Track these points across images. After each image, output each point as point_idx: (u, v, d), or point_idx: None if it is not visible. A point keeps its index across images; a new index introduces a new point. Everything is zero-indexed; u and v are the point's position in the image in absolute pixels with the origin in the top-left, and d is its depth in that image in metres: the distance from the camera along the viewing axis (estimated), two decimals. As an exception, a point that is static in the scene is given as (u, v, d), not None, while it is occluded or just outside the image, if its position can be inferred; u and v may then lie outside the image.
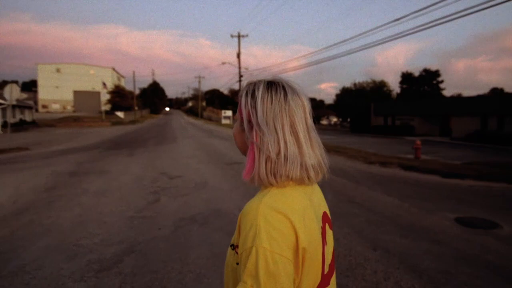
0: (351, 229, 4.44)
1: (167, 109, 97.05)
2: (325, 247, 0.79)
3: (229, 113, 44.85)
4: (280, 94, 0.80)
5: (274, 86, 0.82)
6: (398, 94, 47.46)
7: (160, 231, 4.29)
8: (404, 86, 46.18)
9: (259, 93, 0.80)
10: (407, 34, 13.76)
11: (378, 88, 49.31)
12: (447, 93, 44.45)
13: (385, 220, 4.86)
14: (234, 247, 0.77)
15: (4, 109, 23.47)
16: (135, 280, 2.99)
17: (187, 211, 5.20)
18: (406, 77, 45.90)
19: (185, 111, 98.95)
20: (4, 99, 22.47)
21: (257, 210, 0.71)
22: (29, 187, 6.77)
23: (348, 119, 46.41)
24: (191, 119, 56.86)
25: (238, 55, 36.49)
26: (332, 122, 64.57)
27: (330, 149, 14.45)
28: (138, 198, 6.00)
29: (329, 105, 64.02)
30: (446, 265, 3.37)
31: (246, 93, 0.83)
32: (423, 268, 3.29)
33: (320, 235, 0.77)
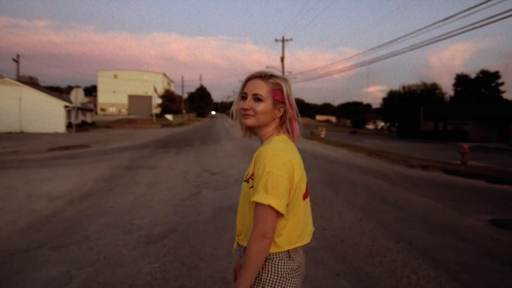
0: (378, 224, 4.61)
1: (213, 112, 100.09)
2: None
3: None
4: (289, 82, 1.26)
5: (284, 78, 1.26)
6: (451, 98, 44.72)
7: (200, 216, 4.81)
8: (459, 89, 43.42)
9: (289, 83, 1.25)
10: (456, 34, 13.22)
11: (429, 91, 46.83)
12: (509, 96, 41.05)
13: (414, 218, 4.94)
14: (248, 179, 1.21)
15: (69, 111, 26.10)
16: (176, 251, 3.50)
17: (225, 201, 5.68)
18: (461, 79, 43.11)
19: (229, 115, 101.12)
20: (70, 102, 25.02)
21: (267, 151, 1.14)
22: (91, 178, 7.70)
23: (396, 124, 44.67)
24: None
25: (282, 59, 36.92)
26: (379, 127, 62.38)
27: (371, 153, 14.27)
28: (182, 190, 6.62)
29: (377, 109, 61.77)
30: (467, 258, 3.46)
31: (284, 81, 1.24)
32: (442, 259, 3.42)
33: (303, 170, 1.23)
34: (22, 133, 23.62)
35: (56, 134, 23.12)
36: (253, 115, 1.22)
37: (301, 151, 11.57)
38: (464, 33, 12.08)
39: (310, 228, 1.30)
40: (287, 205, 1.14)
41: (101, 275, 2.94)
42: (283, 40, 36.36)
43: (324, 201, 5.83)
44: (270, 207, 1.07)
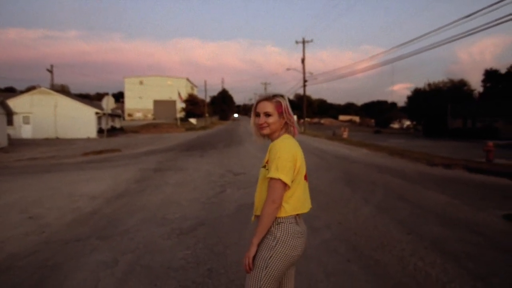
0: (392, 219, 4.86)
1: (235, 115, 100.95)
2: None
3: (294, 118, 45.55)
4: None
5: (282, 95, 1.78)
6: (480, 94, 43.15)
7: (225, 212, 5.25)
8: (488, 84, 41.86)
9: (285, 97, 1.79)
10: (480, 30, 13.07)
11: (457, 88, 45.30)
12: (543, 91, 38.90)
13: (429, 214, 5.14)
14: (265, 164, 1.70)
15: (99, 117, 27.51)
16: (205, 241, 3.94)
17: (248, 199, 6.09)
18: (491, 75, 41.55)
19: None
20: (100, 108, 26.38)
21: (278, 143, 1.65)
22: (123, 180, 8.34)
23: (422, 122, 43.62)
24: (258, 125, 58.60)
25: (303, 61, 37.12)
26: (405, 126, 61.05)
27: (393, 153, 14.27)
28: (208, 189, 7.10)
29: (402, 108, 60.35)
30: (476, 250, 3.68)
31: (282, 98, 1.76)
32: (450, 250, 3.66)
33: (303, 159, 1.73)
34: (57, 139, 25.15)
35: (88, 140, 24.46)
36: (267, 126, 1.73)
37: (322, 152, 11.85)
38: (494, 27, 12.00)
39: (309, 205, 1.77)
40: (293, 181, 1.63)
41: (142, 259, 3.42)
42: (303, 42, 36.51)
43: (342, 199, 6.12)
44: (280, 180, 1.56)
